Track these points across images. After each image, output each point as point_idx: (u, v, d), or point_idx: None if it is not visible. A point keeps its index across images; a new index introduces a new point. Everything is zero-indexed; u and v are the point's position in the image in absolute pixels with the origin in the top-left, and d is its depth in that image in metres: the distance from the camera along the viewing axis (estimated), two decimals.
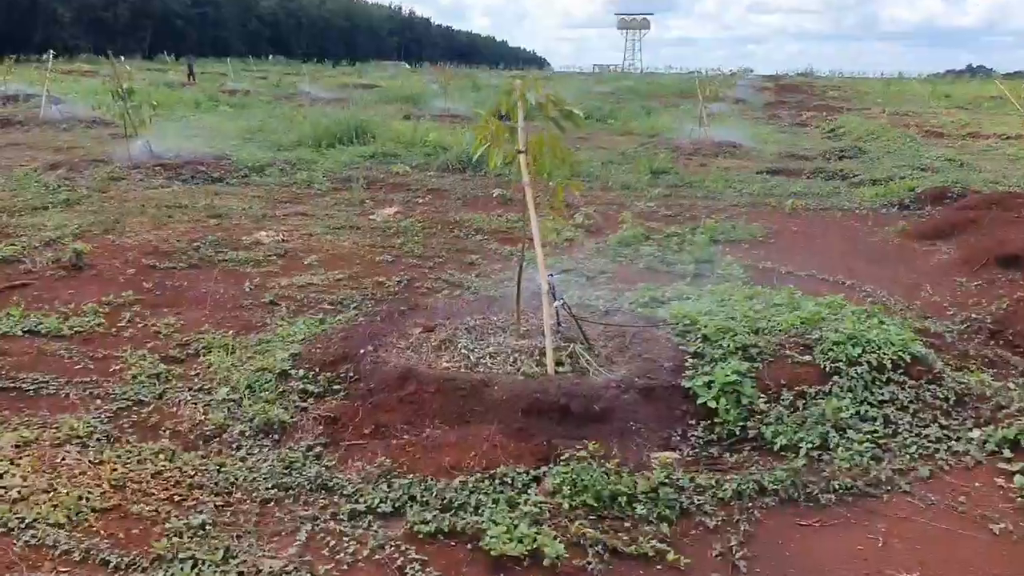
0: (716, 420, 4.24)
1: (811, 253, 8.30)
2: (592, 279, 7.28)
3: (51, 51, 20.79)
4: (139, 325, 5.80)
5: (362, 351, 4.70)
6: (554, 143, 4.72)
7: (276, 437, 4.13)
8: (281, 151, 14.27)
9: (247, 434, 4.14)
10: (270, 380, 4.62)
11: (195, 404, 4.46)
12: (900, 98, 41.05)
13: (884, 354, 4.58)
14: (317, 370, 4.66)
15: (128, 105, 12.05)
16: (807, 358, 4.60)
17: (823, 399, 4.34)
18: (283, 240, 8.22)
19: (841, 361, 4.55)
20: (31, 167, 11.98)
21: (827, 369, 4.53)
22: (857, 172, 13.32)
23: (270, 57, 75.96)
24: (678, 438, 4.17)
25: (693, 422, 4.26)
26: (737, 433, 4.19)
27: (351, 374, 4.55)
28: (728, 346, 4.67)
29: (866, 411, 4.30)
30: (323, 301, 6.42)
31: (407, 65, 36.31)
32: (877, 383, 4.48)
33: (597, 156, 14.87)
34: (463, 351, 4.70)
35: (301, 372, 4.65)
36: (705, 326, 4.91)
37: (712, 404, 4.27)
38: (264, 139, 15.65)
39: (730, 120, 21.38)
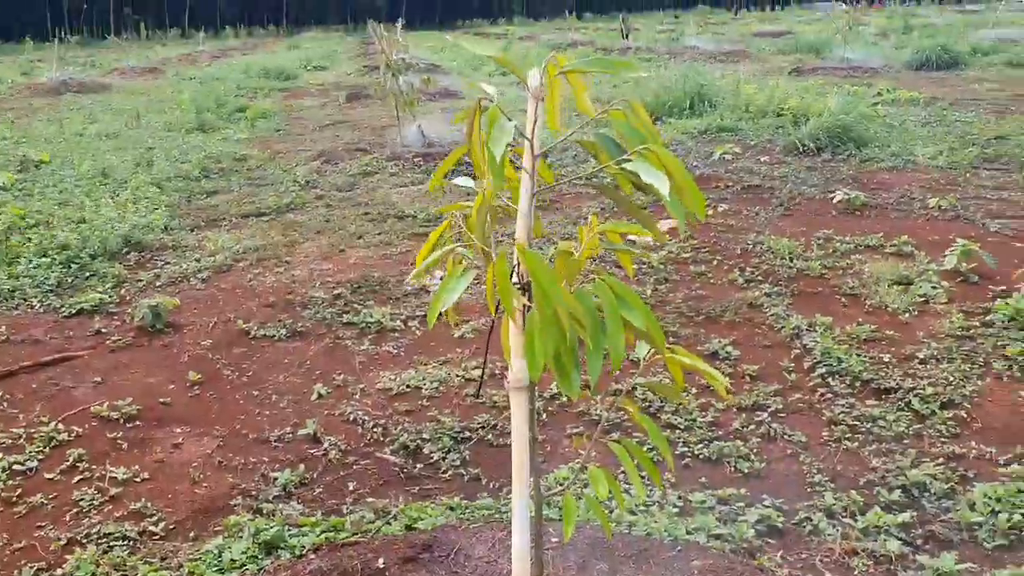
0: None
1: None
2: (920, 427, 3.70)
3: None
4: (86, 475, 3.59)
5: None
6: (609, 294, 1.61)
7: None
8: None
9: None
10: None
11: None
12: None
13: None
14: None
15: (398, 81, 10.12)
16: None
17: None
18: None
19: None
20: (305, 155, 10.63)
21: None
22: None
23: (698, 5, 71.37)
24: None
25: None
26: None
27: None
28: None
29: None
30: (392, 441, 3.74)
31: (843, 5, 30.81)
32: None
33: None
34: None
35: None
36: None
37: None
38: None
39: None
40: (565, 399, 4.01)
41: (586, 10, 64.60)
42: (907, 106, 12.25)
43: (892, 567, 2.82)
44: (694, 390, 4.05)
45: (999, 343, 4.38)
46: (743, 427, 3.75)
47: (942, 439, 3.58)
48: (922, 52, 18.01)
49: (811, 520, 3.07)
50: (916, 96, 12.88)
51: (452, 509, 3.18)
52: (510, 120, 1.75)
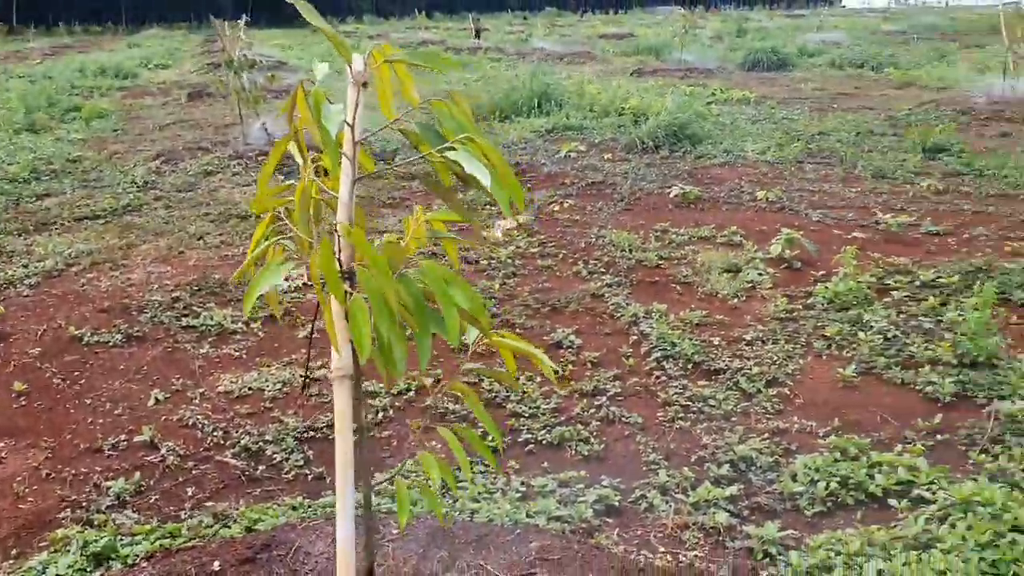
0: None
1: None
2: (739, 405, 3.92)
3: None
4: None
5: None
6: (436, 276, 1.64)
7: None
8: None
9: None
10: None
11: None
12: None
13: None
14: None
15: (242, 78, 9.87)
16: None
17: None
18: (302, 285, 5.52)
19: None
20: (144, 156, 10.20)
21: None
22: None
23: (546, 8, 72.22)
24: None
25: None
26: None
27: None
28: None
29: None
30: (234, 445, 3.66)
31: (681, 9, 32.52)
32: None
33: (851, 123, 10.86)
34: None
35: None
36: None
37: None
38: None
39: None
40: (413, 394, 4.02)
41: (436, 10, 64.49)
42: (739, 105, 12.85)
43: (721, 538, 2.97)
44: (538, 378, 4.15)
45: (819, 324, 4.68)
46: (584, 411, 3.87)
47: (767, 415, 3.79)
48: (754, 54, 18.94)
49: (646, 497, 3.20)
50: (747, 95, 13.54)
51: (295, 509, 3.14)
52: (332, 103, 1.76)
